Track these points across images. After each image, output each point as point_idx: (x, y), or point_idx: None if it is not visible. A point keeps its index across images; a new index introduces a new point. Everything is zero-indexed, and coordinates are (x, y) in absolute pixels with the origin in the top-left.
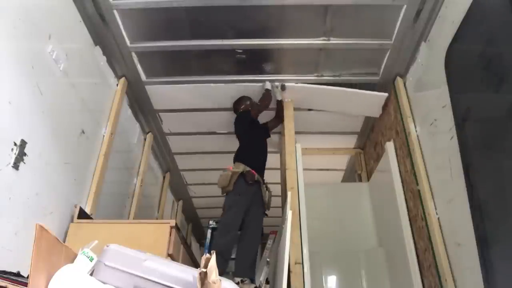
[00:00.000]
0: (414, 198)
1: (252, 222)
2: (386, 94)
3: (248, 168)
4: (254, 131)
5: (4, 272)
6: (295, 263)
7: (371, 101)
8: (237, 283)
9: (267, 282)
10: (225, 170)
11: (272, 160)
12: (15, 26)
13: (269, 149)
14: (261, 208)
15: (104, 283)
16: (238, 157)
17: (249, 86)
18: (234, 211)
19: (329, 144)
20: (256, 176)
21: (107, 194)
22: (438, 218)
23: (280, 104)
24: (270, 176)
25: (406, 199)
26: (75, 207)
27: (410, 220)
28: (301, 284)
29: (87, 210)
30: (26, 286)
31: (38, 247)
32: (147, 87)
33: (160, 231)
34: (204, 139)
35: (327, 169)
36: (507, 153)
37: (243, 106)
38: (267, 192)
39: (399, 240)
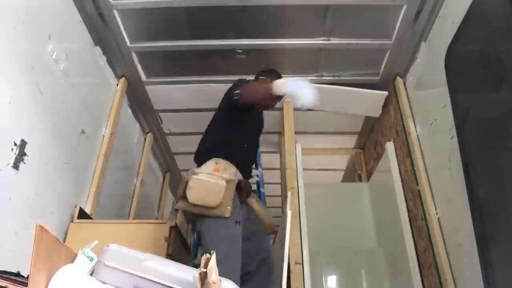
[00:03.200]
0: (414, 198)
1: (259, 257)
2: (386, 93)
3: (240, 175)
4: (251, 116)
5: (4, 272)
6: (295, 263)
7: (371, 100)
8: None
9: None
10: (196, 174)
11: (272, 160)
12: (15, 26)
13: (269, 149)
14: (261, 233)
15: (104, 283)
16: (226, 149)
17: None
18: (233, 248)
19: (329, 144)
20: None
21: (107, 194)
22: (438, 218)
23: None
24: (270, 176)
25: (406, 199)
26: (75, 207)
27: (410, 220)
28: (301, 284)
29: (87, 210)
30: (26, 286)
31: (38, 247)
32: (147, 87)
33: (160, 231)
34: None
35: (327, 169)
36: (507, 153)
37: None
38: (257, 205)
39: (399, 240)
